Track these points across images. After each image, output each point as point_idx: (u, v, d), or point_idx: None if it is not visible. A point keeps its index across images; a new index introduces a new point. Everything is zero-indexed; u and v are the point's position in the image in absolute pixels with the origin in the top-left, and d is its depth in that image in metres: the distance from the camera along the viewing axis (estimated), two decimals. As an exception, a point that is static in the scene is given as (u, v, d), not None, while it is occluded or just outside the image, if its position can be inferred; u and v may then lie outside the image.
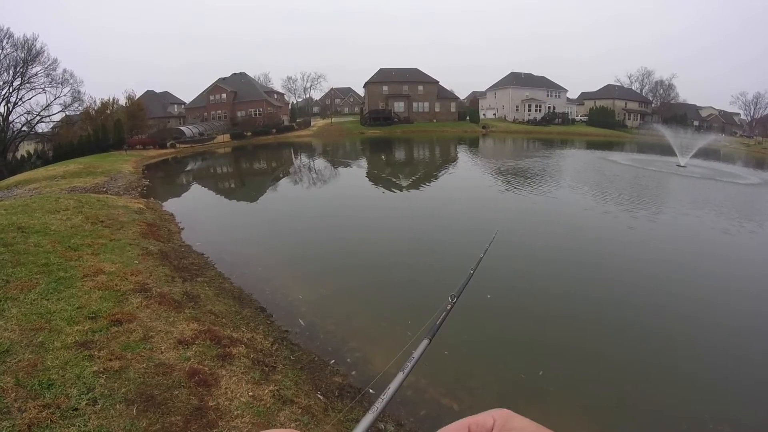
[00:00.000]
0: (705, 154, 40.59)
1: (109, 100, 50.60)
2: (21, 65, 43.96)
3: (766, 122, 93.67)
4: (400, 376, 1.60)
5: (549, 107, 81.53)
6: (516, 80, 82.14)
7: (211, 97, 71.00)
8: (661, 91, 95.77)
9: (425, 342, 2.20)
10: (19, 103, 45.40)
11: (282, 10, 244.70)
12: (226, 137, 57.72)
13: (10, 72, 43.53)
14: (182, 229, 14.15)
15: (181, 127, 58.20)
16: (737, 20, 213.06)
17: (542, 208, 17.74)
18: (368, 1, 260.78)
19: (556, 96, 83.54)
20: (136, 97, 56.67)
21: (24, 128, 47.04)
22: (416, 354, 1.98)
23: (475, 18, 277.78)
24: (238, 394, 4.68)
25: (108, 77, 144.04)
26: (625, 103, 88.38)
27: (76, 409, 3.89)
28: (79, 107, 49.84)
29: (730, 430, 5.51)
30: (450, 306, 2.98)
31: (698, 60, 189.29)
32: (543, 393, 6.16)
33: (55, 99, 47.72)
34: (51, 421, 3.68)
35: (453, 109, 79.18)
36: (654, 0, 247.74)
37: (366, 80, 77.59)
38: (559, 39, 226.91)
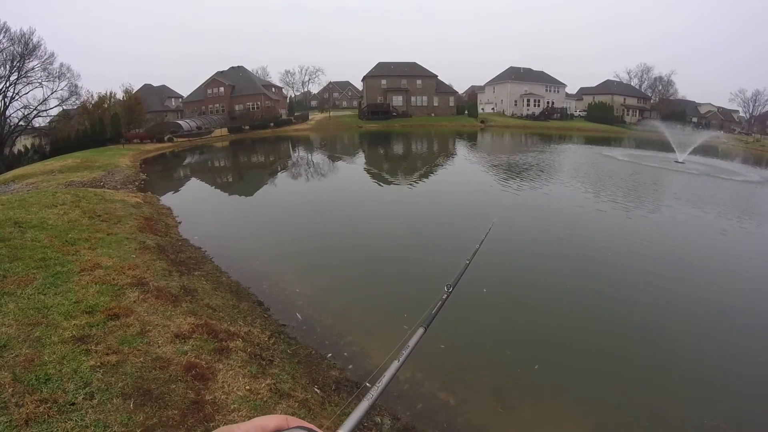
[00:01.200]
0: (703, 150, 40.63)
1: (106, 94, 50.31)
2: (18, 59, 43.70)
3: (765, 120, 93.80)
4: (395, 365, 1.61)
5: (547, 102, 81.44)
6: (515, 75, 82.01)
7: (209, 91, 70.79)
8: (660, 88, 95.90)
9: (421, 331, 2.22)
10: (15, 98, 45.19)
11: (282, 5, 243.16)
12: (224, 131, 57.57)
13: (7, 66, 43.29)
14: (180, 223, 14.14)
15: (179, 121, 58.01)
16: (739, 19, 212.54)
17: (538, 204, 17.78)
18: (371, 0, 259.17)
19: (554, 91, 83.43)
20: (134, 91, 56.51)
21: (21, 123, 46.82)
22: (412, 343, 2.00)
23: (477, 16, 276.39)
24: (235, 388, 4.69)
25: (105, 70, 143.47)
26: (624, 99, 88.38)
27: (74, 404, 3.90)
28: (76, 101, 49.58)
29: (725, 426, 5.55)
30: (446, 296, 3.00)
31: (699, 58, 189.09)
32: (538, 387, 6.20)
33: (52, 93, 47.47)
34: (48, 415, 3.69)
35: (451, 104, 79.16)
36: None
37: (364, 74, 77.40)
38: (559, 36, 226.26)
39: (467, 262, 3.84)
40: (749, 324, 8.34)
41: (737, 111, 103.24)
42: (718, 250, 12.78)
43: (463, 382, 6.20)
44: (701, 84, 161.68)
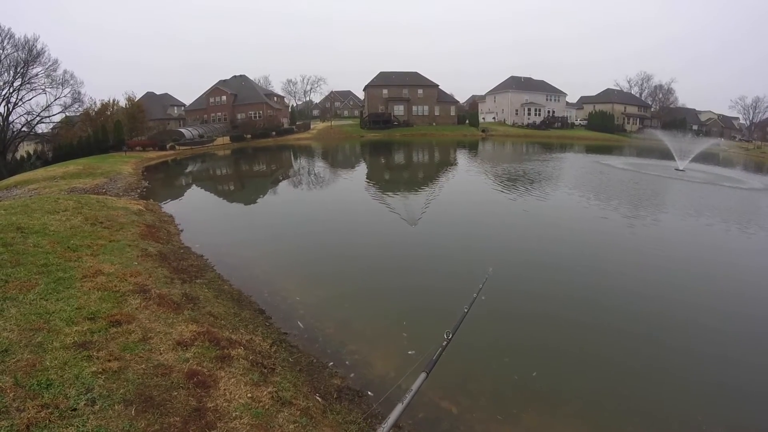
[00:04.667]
0: (704, 158, 40.62)
1: (109, 101, 50.79)
2: (22, 66, 43.98)
3: (765, 126, 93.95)
4: (399, 407, 1.64)
5: (548, 111, 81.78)
6: (516, 84, 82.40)
7: (211, 99, 71.12)
8: (660, 96, 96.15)
9: (423, 376, 2.27)
10: (19, 104, 45.41)
11: (285, 15, 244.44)
12: (226, 139, 57.82)
13: (11, 72, 43.56)
14: (181, 230, 14.15)
15: (181, 129, 58.27)
16: (743, 25, 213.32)
17: (539, 213, 17.79)
18: (371, 9, 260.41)
19: (555, 100, 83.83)
20: (136, 99, 56.83)
21: (24, 129, 47.03)
22: (414, 387, 2.04)
23: (478, 26, 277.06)
24: (236, 396, 4.68)
25: (108, 78, 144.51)
26: (625, 107, 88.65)
27: (75, 410, 3.88)
28: (79, 108, 49.95)
29: (722, 431, 5.53)
30: (446, 342, 3.11)
31: (701, 66, 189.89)
32: (538, 394, 6.20)
33: (55, 100, 47.71)
34: (49, 421, 3.67)
35: (453, 113, 79.35)
36: (657, 6, 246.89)
37: (366, 83, 77.73)
38: (560, 45, 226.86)
39: (465, 310, 3.90)
40: (750, 330, 8.33)
41: (737, 118, 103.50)
42: (718, 257, 12.74)
43: (465, 391, 6.17)
44: (702, 91, 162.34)
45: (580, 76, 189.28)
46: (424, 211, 15.56)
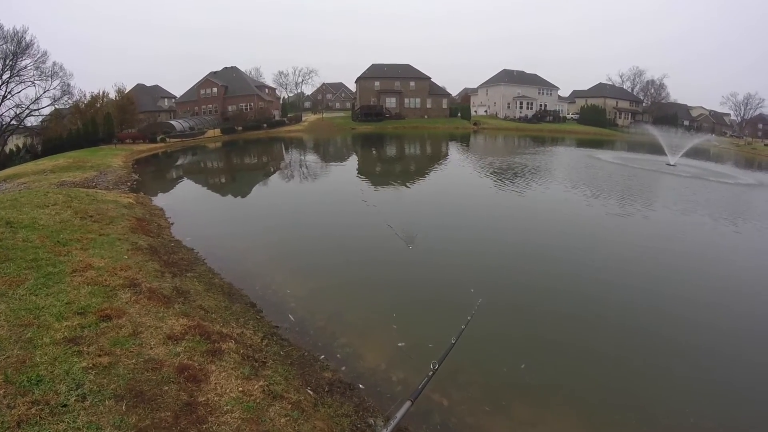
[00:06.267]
0: (695, 153, 40.81)
1: (99, 93, 49.99)
2: (10, 58, 43.27)
3: (756, 123, 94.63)
4: None
5: (540, 105, 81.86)
6: (508, 77, 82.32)
7: (202, 92, 70.42)
8: (652, 91, 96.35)
9: (407, 404, 2.32)
10: (7, 97, 44.64)
11: (276, 6, 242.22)
12: (217, 132, 57.36)
13: (-1, 65, 42.91)
14: (172, 224, 14.09)
15: (172, 122, 57.75)
16: (738, 25, 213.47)
17: (529, 204, 17.99)
18: (364, 2, 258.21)
19: (547, 94, 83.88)
20: (126, 91, 56.14)
21: (13, 122, 46.27)
22: (399, 414, 2.11)
23: (472, 19, 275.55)
24: (227, 390, 4.70)
25: (98, 68, 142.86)
26: (616, 102, 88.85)
27: (65, 406, 3.89)
28: (69, 101, 49.07)
29: (711, 425, 5.62)
30: (432, 372, 3.19)
31: (695, 64, 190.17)
32: (527, 386, 6.30)
33: (44, 92, 46.77)
34: (40, 417, 3.68)
35: (445, 106, 79.01)
36: (653, 3, 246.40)
37: (358, 75, 77.36)
38: (556, 40, 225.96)
39: (453, 341, 3.96)
40: (746, 327, 8.42)
41: (729, 114, 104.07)
42: (713, 253, 12.87)
43: (456, 384, 6.23)
44: (694, 88, 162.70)
45: (574, 72, 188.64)
46: (423, 232, 15.42)
